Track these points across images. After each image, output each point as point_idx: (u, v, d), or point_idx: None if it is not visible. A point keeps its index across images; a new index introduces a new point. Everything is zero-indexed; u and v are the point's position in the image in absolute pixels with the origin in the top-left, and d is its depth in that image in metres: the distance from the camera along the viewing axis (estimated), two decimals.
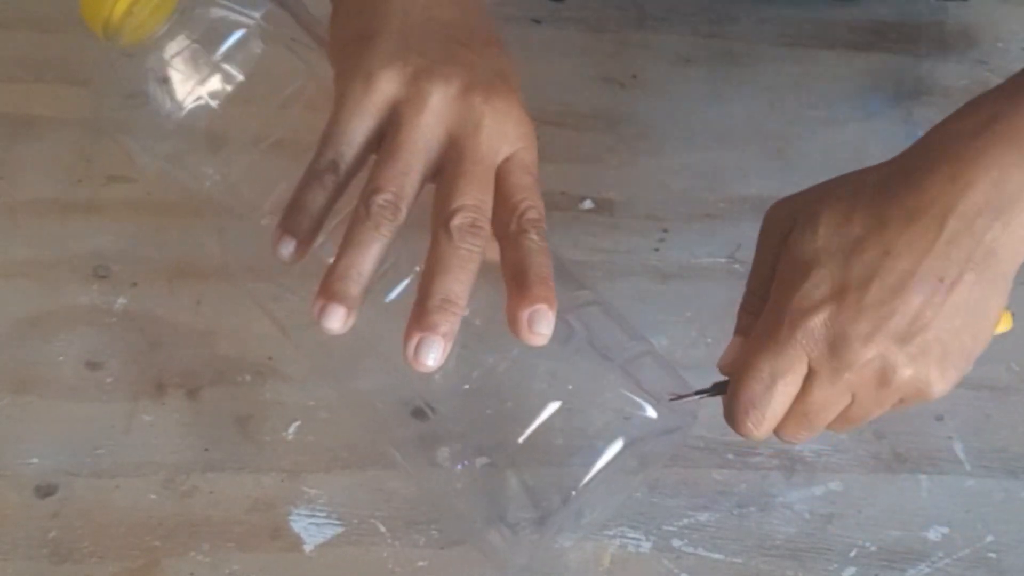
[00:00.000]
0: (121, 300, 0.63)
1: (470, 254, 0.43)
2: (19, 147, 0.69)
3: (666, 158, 0.70)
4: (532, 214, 0.45)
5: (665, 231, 0.67)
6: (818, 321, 0.45)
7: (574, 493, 0.47)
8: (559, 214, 0.67)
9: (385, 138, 0.46)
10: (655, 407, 0.49)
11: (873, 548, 0.57)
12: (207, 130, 0.55)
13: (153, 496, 0.57)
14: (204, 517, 0.57)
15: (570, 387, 0.48)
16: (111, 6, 0.54)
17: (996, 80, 0.70)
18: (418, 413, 0.49)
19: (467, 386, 0.48)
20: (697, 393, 0.50)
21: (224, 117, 0.55)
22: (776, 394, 0.46)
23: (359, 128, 0.46)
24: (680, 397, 0.50)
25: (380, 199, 0.44)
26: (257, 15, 0.55)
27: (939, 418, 0.61)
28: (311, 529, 0.57)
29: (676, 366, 0.53)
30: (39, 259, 0.65)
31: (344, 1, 0.50)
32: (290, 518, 0.57)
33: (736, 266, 0.65)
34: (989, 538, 0.58)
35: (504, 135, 0.46)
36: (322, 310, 0.43)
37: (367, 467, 0.58)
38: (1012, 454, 0.60)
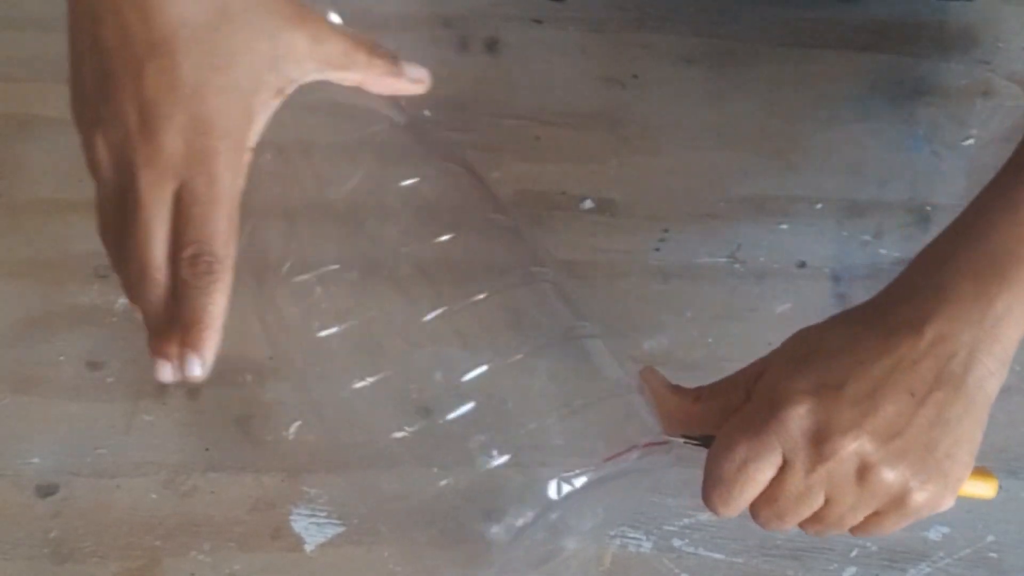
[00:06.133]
0: (121, 300, 0.63)
1: None
2: (19, 147, 0.68)
3: (666, 158, 0.70)
4: (189, 251, 0.45)
5: (665, 231, 0.67)
6: (796, 413, 0.46)
7: (550, 502, 0.47)
8: (559, 214, 0.67)
9: None
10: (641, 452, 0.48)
11: (874, 548, 0.57)
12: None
13: (154, 496, 0.57)
14: (205, 517, 0.57)
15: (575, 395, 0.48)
16: None
17: (997, 80, 0.70)
18: (422, 411, 0.49)
19: (465, 380, 0.48)
20: (684, 439, 0.50)
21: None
22: (746, 477, 0.47)
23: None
24: (657, 444, 0.50)
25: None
26: None
27: None
28: (312, 529, 0.57)
29: (676, 366, 0.53)
30: (39, 259, 0.65)
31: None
32: (291, 518, 0.57)
33: (736, 266, 0.65)
34: (990, 538, 0.58)
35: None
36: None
37: (367, 467, 0.58)
38: (1012, 454, 0.60)
